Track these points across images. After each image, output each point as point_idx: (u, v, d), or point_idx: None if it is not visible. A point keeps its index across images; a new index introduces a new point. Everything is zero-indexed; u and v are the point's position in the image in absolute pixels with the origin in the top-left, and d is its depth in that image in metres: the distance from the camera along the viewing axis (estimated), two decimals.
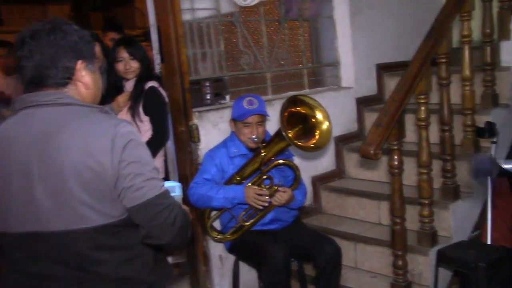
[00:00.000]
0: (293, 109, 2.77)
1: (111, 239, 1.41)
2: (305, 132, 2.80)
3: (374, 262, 3.19)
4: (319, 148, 2.81)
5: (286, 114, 2.71)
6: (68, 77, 1.46)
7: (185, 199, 2.64)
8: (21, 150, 1.39)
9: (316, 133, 2.77)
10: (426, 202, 2.83)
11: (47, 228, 1.37)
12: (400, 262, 2.76)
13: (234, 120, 2.88)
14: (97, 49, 3.23)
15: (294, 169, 2.87)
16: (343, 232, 3.36)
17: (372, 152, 2.49)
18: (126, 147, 1.38)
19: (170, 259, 1.76)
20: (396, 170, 2.65)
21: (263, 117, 2.85)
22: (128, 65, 3.06)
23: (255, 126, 2.82)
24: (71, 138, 1.36)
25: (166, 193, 1.46)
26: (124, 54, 3.06)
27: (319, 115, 2.77)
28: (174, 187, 1.64)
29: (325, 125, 2.76)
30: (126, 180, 1.37)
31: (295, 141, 2.68)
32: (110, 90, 3.25)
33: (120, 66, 3.07)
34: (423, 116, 2.76)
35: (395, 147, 2.63)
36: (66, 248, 1.38)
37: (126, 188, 1.38)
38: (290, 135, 2.68)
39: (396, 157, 2.63)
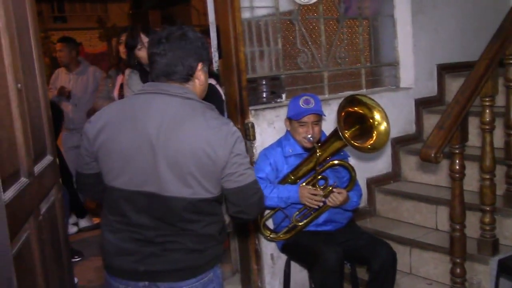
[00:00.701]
0: (350, 109, 2.72)
1: (205, 208, 1.77)
2: (362, 132, 2.75)
3: (430, 269, 3.11)
4: (376, 149, 2.75)
5: (343, 113, 2.67)
6: (190, 75, 1.80)
7: None
8: (152, 126, 1.70)
9: (373, 134, 2.71)
10: (488, 209, 2.72)
11: (162, 192, 1.71)
12: (458, 270, 2.66)
13: (290, 119, 2.87)
14: None
15: (350, 170, 2.82)
16: (398, 236, 3.30)
17: (433, 155, 2.41)
18: (236, 142, 1.73)
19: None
20: (458, 175, 2.56)
21: (319, 116, 2.82)
22: None
23: (311, 126, 2.79)
24: (195, 129, 1.70)
25: (257, 180, 1.83)
26: None
27: (377, 116, 2.71)
28: None
29: (383, 126, 2.70)
30: (232, 167, 1.73)
31: (352, 142, 2.64)
32: None
33: None
34: (487, 119, 2.66)
35: (457, 151, 2.54)
36: (169, 209, 1.72)
37: (232, 173, 1.73)
38: (347, 135, 2.63)
39: (458, 161, 2.54)
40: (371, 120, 2.72)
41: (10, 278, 1.33)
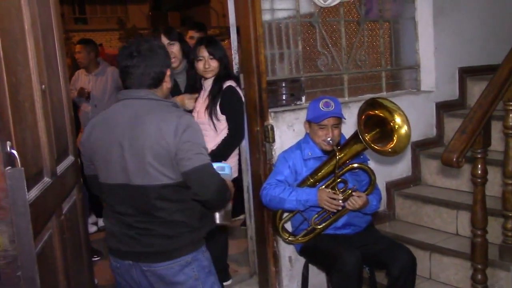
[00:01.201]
0: (371, 112, 2.70)
1: (170, 194, 1.99)
2: (383, 136, 2.72)
3: (450, 274, 3.07)
4: (396, 153, 2.73)
5: (363, 117, 2.65)
6: (161, 80, 2.07)
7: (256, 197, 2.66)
8: (120, 127, 1.98)
9: (394, 138, 2.69)
10: (511, 214, 2.67)
11: (131, 182, 1.97)
12: (479, 277, 2.61)
13: (309, 121, 2.86)
14: (175, 48, 3.32)
15: (370, 173, 2.80)
16: (418, 240, 3.26)
17: (455, 159, 2.38)
18: (184, 131, 1.93)
19: (218, 221, 2.24)
20: (480, 180, 2.52)
21: (339, 119, 2.81)
22: (207, 64, 3.10)
23: (331, 129, 2.78)
24: (151, 123, 1.94)
25: (209, 164, 2.00)
26: (204, 53, 3.10)
27: (398, 119, 2.69)
28: (224, 167, 2.23)
29: (403, 130, 2.68)
30: (182, 153, 1.93)
31: (372, 145, 2.62)
32: (188, 88, 3.32)
33: (199, 65, 3.12)
34: (511, 123, 2.61)
35: (480, 156, 2.50)
36: (140, 196, 1.97)
37: (181, 158, 1.93)
38: (367, 138, 2.62)
39: (480, 166, 2.50)
40: (391, 124, 2.70)
41: (33, 277, 1.34)
